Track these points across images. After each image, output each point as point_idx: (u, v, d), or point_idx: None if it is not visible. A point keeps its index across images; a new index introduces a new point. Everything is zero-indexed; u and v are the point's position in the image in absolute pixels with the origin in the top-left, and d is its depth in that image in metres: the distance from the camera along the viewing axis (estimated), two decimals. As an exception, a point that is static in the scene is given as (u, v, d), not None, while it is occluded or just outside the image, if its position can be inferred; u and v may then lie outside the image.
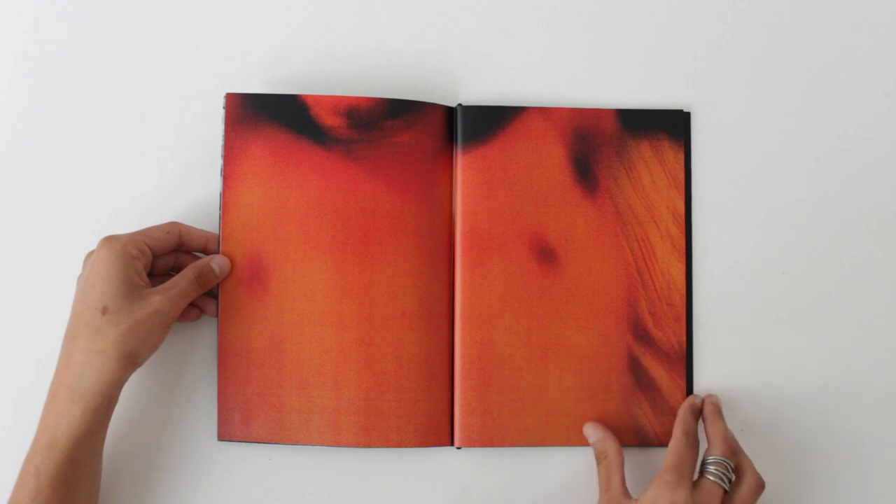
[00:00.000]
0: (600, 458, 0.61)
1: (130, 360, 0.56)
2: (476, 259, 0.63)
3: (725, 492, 0.57)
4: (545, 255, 0.64)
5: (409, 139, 0.63)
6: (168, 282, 0.58)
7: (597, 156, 0.64)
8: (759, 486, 0.58)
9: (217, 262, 0.61)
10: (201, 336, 0.63)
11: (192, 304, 0.62)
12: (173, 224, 0.61)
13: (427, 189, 0.63)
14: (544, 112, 0.65)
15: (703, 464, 0.58)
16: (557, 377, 0.63)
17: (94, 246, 0.58)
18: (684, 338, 0.63)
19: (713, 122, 0.66)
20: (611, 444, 0.60)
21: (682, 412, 0.61)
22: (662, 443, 0.62)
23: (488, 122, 0.64)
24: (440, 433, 0.62)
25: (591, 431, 0.62)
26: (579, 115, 0.65)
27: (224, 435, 0.61)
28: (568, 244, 0.64)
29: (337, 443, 0.61)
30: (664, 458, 0.58)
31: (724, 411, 0.62)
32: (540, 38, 0.67)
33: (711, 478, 0.57)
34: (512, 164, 0.64)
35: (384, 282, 0.62)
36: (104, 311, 0.55)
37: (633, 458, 0.63)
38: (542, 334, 0.63)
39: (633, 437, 0.62)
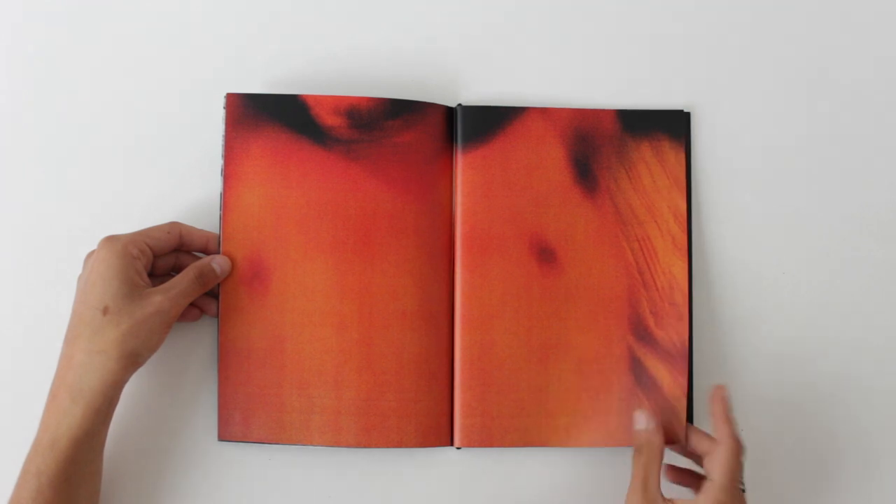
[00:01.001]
0: (641, 449, 0.59)
1: (131, 360, 0.56)
2: (476, 259, 0.63)
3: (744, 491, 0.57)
4: (545, 255, 0.64)
5: (409, 139, 0.63)
6: (169, 282, 0.58)
7: (597, 156, 0.64)
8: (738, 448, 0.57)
9: (218, 262, 0.61)
10: (201, 336, 0.63)
11: (193, 304, 0.62)
12: (174, 224, 0.61)
13: (427, 189, 0.63)
14: (544, 112, 0.65)
15: None
16: (557, 377, 0.63)
17: (94, 246, 0.58)
18: (686, 335, 0.63)
19: (713, 122, 0.66)
20: (657, 439, 0.58)
21: (722, 410, 0.58)
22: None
23: (488, 122, 0.64)
24: (440, 433, 0.62)
25: (642, 418, 0.60)
26: (579, 115, 0.65)
27: (224, 435, 0.61)
28: (568, 244, 0.64)
29: (337, 443, 0.61)
30: (713, 469, 0.56)
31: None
32: (540, 38, 0.67)
33: (742, 487, 0.57)
34: (512, 165, 0.64)
35: (384, 282, 0.62)
36: (105, 311, 0.55)
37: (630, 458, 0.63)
38: (542, 334, 0.63)
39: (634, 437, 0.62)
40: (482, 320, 0.63)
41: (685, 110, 0.65)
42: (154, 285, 0.58)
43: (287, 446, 0.62)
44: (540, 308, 0.63)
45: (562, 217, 0.64)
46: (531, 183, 0.64)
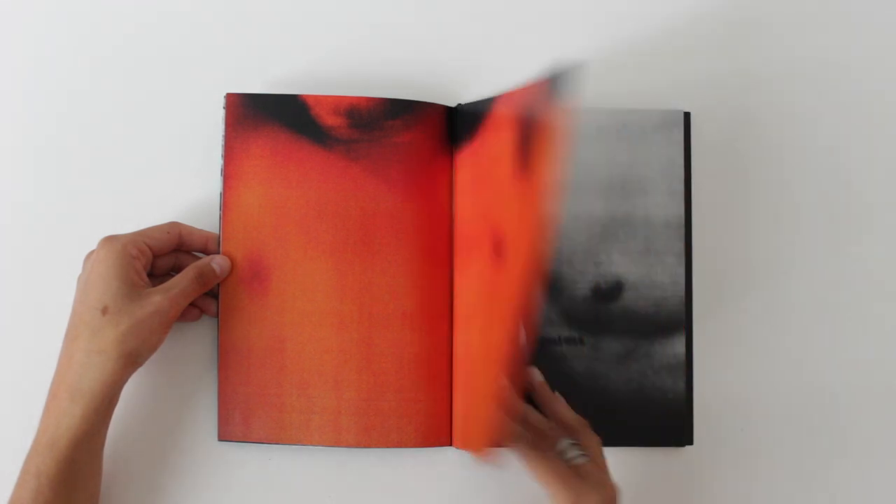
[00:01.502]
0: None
1: (131, 360, 0.56)
2: (462, 259, 0.63)
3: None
4: (497, 249, 0.57)
5: (409, 139, 0.63)
6: (168, 282, 0.58)
7: (537, 131, 0.53)
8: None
9: (217, 262, 0.61)
10: (201, 336, 0.63)
11: (193, 304, 0.62)
12: (173, 224, 0.61)
13: (427, 189, 0.63)
14: (507, 97, 0.59)
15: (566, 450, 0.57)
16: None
17: (94, 246, 0.58)
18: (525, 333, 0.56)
19: (713, 122, 0.66)
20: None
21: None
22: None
23: (475, 119, 0.63)
24: (440, 433, 0.62)
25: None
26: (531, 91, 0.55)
27: (224, 435, 0.61)
28: (511, 234, 0.56)
29: (337, 443, 0.61)
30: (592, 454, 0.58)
31: (726, 411, 0.62)
32: (540, 38, 0.67)
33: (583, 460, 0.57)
34: (482, 159, 0.61)
35: (384, 282, 0.62)
36: (104, 311, 0.55)
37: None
38: (500, 334, 0.55)
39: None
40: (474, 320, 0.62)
41: (685, 111, 0.65)
42: (154, 285, 0.58)
43: (287, 446, 0.62)
44: (499, 306, 0.56)
45: (509, 205, 0.56)
46: (493, 175, 0.59)
